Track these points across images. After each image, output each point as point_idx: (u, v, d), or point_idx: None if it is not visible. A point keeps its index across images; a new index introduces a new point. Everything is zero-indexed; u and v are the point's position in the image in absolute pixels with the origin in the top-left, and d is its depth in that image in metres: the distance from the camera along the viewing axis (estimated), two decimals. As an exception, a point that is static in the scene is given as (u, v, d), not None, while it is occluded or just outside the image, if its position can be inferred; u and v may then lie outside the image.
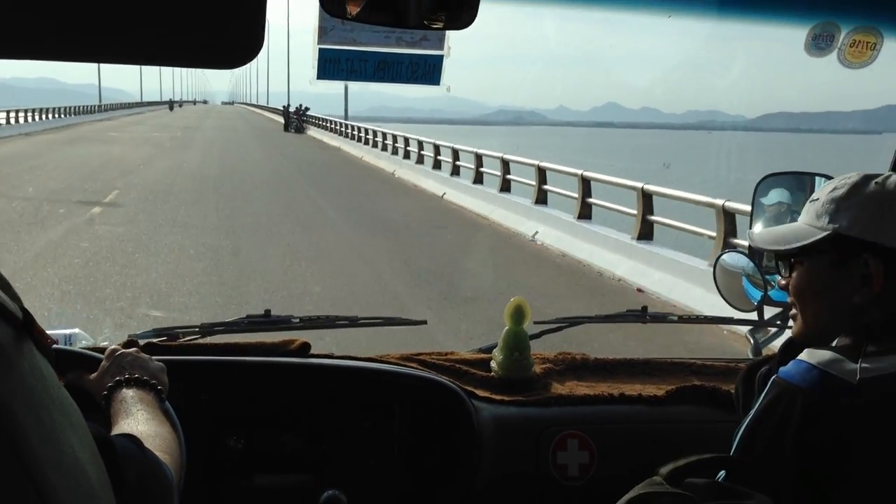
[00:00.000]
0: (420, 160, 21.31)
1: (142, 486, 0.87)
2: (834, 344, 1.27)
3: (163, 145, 31.86)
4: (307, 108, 48.01)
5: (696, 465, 1.23)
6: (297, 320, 1.97)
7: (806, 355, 1.23)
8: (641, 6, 1.61)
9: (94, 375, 1.24)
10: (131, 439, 0.97)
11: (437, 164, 19.56)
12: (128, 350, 1.28)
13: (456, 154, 18.23)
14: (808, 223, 1.29)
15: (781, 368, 1.25)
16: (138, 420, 1.10)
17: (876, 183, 1.24)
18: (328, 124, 42.12)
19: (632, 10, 1.66)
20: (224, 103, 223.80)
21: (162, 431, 1.09)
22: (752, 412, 1.27)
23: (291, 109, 48.35)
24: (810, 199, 1.32)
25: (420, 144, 21.50)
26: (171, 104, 76.40)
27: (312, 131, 45.07)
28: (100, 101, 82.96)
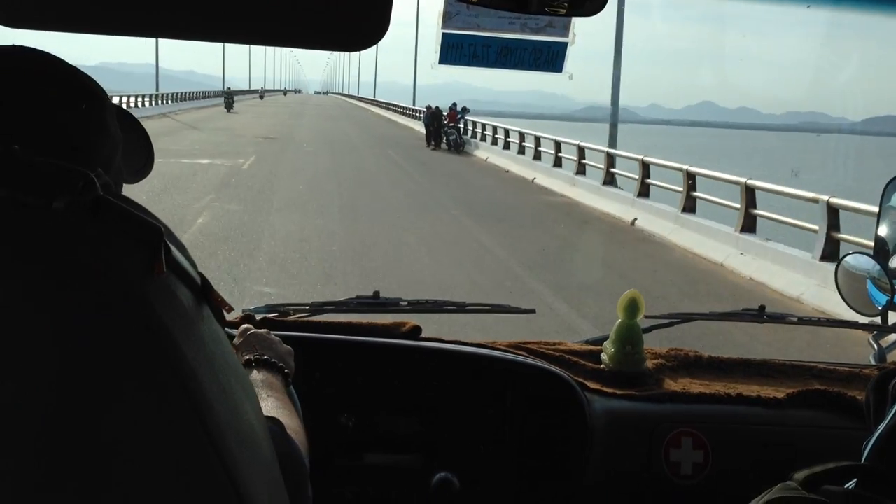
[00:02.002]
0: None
1: (282, 468, 0.89)
2: None
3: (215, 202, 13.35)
4: (466, 109, 29.92)
5: (834, 473, 1.18)
6: (406, 303, 1.99)
7: None
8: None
9: None
10: (275, 422, 0.98)
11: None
12: (259, 330, 1.28)
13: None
14: None
15: None
16: (269, 406, 1.09)
17: None
18: (487, 132, 27.48)
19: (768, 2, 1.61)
20: (317, 93, 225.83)
21: (292, 423, 1.09)
22: (887, 421, 1.21)
23: (436, 108, 30.71)
24: None
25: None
26: (227, 99, 55.56)
27: (480, 149, 27.50)
28: (223, 85, 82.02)
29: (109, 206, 0.69)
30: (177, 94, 54.33)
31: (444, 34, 1.77)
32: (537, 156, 21.73)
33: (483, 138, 28.24)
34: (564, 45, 1.78)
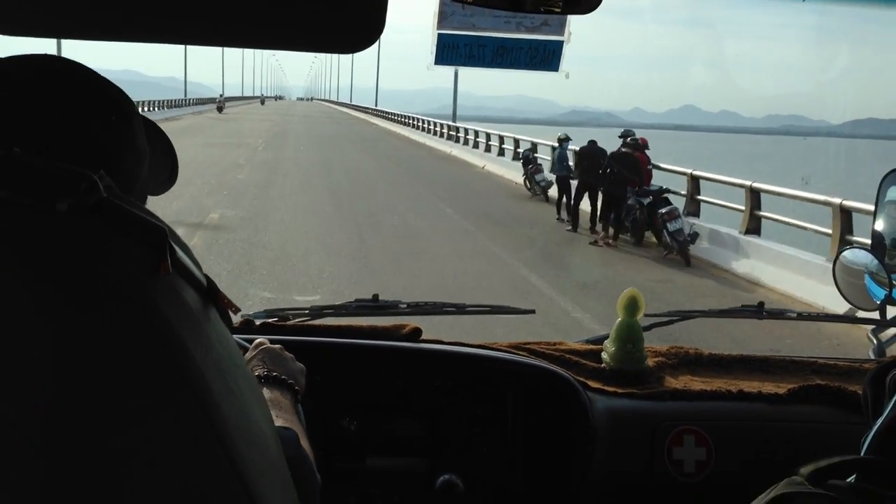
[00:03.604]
0: None
1: (294, 473, 0.88)
2: None
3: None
4: (637, 141, 12.95)
5: (839, 467, 1.18)
6: (405, 305, 1.98)
7: None
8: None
9: None
10: (289, 431, 0.97)
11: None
12: (273, 346, 1.26)
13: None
14: None
15: None
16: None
17: None
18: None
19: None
20: (300, 99, 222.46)
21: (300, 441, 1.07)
22: (886, 414, 1.21)
23: (592, 145, 13.26)
24: None
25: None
26: (219, 105, 61.27)
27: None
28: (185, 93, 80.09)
29: (113, 208, 0.69)
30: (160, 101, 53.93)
31: (439, 34, 1.76)
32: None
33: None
34: (560, 43, 1.78)
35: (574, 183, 13.93)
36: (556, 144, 15.43)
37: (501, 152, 23.89)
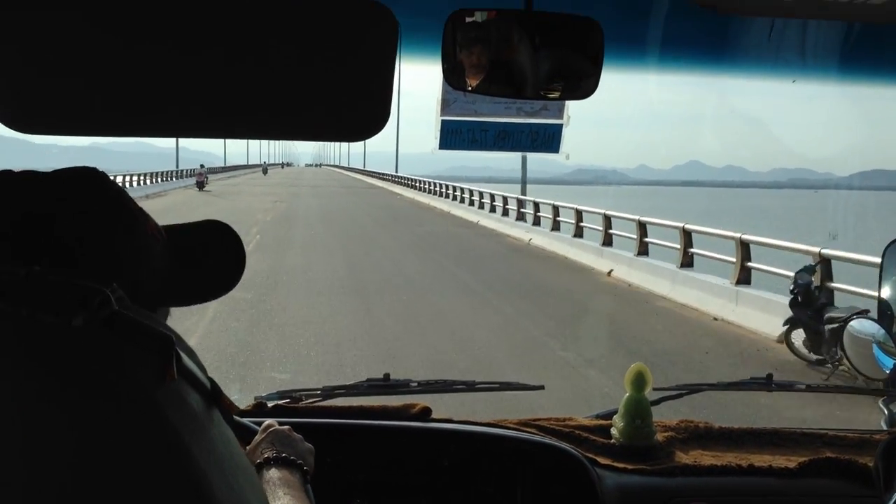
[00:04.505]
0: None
1: None
2: None
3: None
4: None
5: None
6: (416, 384, 2.00)
7: None
8: (766, 72, 1.61)
9: (248, 447, 1.24)
10: None
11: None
12: (281, 428, 1.28)
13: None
14: None
15: None
16: None
17: None
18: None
19: (756, 77, 1.67)
20: (308, 165, 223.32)
21: None
22: None
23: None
24: None
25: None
26: (200, 180, 44.03)
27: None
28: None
29: (124, 320, 0.74)
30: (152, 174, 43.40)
31: (443, 121, 1.82)
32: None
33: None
34: (559, 126, 1.84)
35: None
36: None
37: (644, 250, 14.52)
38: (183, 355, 0.76)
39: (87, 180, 0.84)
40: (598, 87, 1.34)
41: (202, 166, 52.08)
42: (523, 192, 25.40)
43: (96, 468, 0.68)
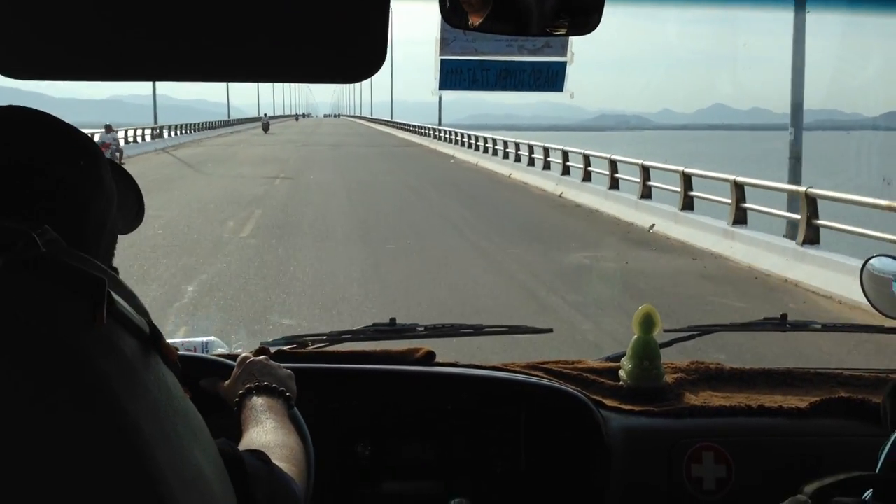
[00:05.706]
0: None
1: (269, 493, 0.89)
2: None
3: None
4: None
5: (844, 484, 1.15)
6: (422, 328, 2.00)
7: None
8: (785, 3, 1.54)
9: (227, 383, 1.26)
10: (259, 456, 0.98)
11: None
12: (257, 358, 1.30)
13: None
14: None
15: None
16: (266, 429, 1.10)
17: None
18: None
19: (767, 8, 1.60)
20: (327, 115, 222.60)
21: (289, 441, 1.10)
22: None
23: None
24: None
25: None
26: (265, 123, 57.30)
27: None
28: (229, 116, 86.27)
29: (51, 262, 0.71)
30: (200, 123, 58.73)
31: (442, 60, 1.77)
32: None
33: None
34: (563, 64, 1.78)
35: None
36: None
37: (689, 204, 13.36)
38: (118, 298, 0.74)
39: (38, 122, 0.82)
40: (618, 28, 1.29)
41: (266, 115, 71.03)
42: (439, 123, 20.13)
43: (13, 416, 0.66)
